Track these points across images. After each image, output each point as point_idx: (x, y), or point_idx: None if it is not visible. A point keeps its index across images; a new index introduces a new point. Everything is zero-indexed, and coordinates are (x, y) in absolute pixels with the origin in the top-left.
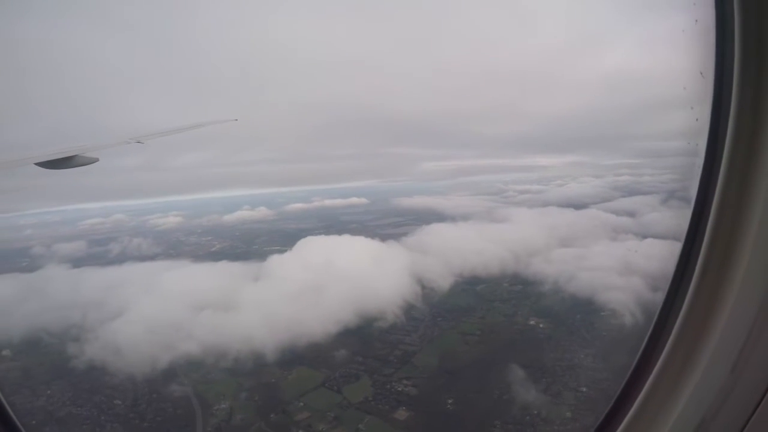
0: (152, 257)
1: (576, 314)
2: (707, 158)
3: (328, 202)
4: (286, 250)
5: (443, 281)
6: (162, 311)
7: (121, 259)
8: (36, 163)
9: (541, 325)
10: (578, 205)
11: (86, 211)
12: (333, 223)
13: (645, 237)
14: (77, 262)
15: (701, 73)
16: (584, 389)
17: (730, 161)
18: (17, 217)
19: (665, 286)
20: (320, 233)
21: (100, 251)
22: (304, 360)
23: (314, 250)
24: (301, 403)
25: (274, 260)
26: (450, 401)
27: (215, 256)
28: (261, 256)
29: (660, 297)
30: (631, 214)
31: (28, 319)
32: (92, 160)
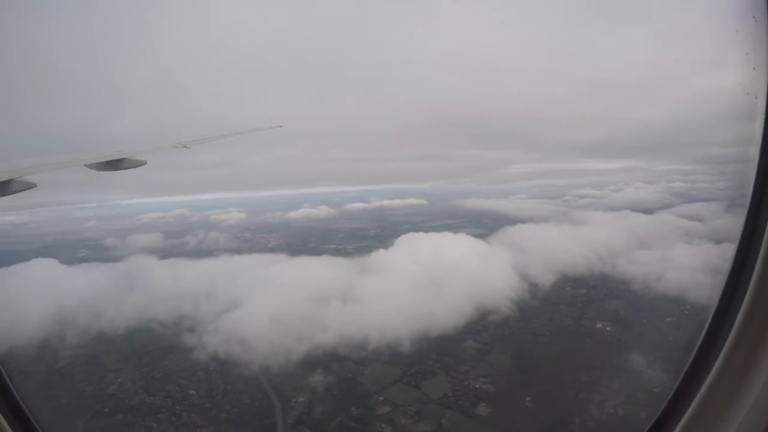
0: (236, 250)
1: (643, 318)
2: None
3: (386, 203)
4: (342, 248)
5: (544, 278)
6: (268, 303)
7: (205, 252)
8: (86, 165)
9: (608, 329)
10: (645, 210)
11: (140, 205)
12: (385, 224)
13: (720, 242)
14: (163, 253)
15: (754, 17)
16: (656, 390)
17: None
18: (71, 209)
19: (724, 279)
20: (372, 233)
21: (177, 243)
22: (379, 356)
23: (410, 246)
24: (381, 398)
25: (375, 256)
26: (528, 399)
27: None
28: (317, 253)
29: (718, 292)
30: (699, 219)
31: (134, 308)
32: (140, 163)
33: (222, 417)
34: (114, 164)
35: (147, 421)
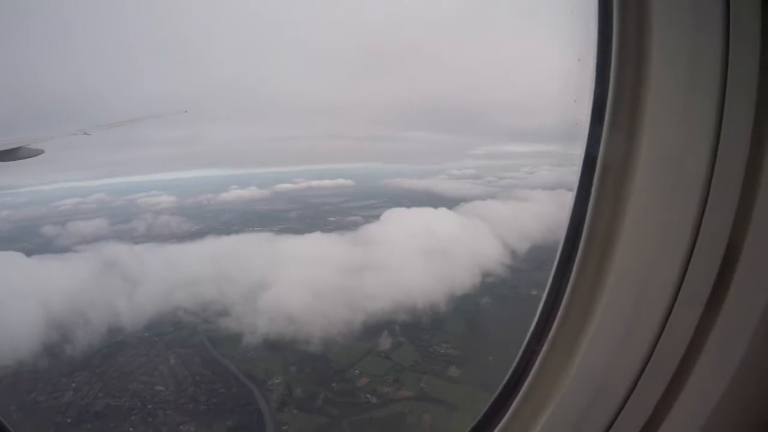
0: (200, 233)
1: None
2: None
3: (314, 183)
4: (259, 230)
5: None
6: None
7: (170, 236)
8: None
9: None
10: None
11: (47, 192)
12: (304, 206)
13: None
14: (130, 240)
15: (579, 59)
16: None
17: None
18: None
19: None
20: (292, 214)
21: (126, 229)
22: (340, 333)
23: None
24: (357, 371)
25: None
26: (490, 358)
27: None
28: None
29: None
30: None
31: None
32: (37, 152)
33: (202, 409)
34: (9, 154)
35: None
